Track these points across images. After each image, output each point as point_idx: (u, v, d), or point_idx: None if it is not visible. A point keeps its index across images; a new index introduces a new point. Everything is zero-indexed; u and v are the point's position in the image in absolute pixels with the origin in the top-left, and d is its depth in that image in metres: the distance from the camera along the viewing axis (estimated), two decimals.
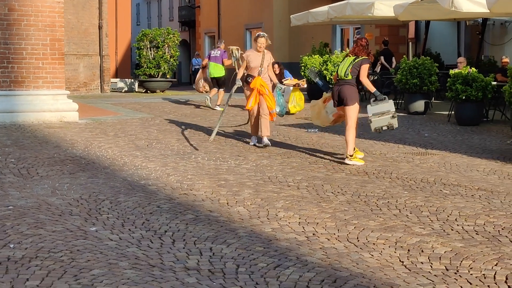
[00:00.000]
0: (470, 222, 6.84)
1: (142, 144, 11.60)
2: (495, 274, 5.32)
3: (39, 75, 13.44)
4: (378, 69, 21.50)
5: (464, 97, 14.46)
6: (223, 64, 18.25)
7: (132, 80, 27.97)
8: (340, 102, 10.20)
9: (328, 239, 6.22)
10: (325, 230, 6.54)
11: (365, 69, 10.21)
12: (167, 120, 15.18)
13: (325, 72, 19.86)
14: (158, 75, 25.35)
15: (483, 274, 5.31)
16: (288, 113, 15.63)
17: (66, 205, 7.34)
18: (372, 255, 5.76)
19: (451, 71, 15.38)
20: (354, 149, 10.21)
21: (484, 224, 6.80)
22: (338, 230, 6.54)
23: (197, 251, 5.82)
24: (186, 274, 5.23)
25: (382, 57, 21.93)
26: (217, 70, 18.14)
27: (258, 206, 7.46)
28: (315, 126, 13.22)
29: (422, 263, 5.58)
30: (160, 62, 25.09)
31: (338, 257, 5.70)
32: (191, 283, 5.03)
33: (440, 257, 5.72)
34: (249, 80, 11.59)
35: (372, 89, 10.39)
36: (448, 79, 15.06)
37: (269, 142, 11.56)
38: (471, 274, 5.30)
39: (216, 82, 18.27)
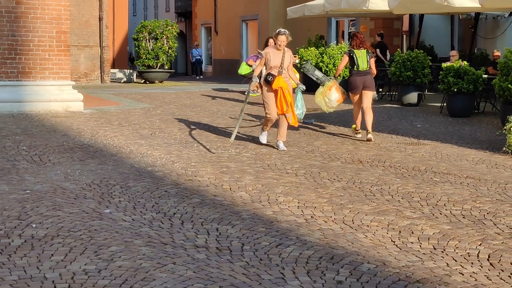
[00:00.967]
0: (457, 207, 7.34)
1: (145, 133, 12.07)
2: (478, 253, 5.82)
3: (46, 66, 13.91)
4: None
5: (455, 90, 14.96)
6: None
7: (131, 71, 28.42)
8: (362, 88, 12.02)
9: (325, 221, 6.72)
10: (323, 213, 7.03)
11: (373, 61, 12.39)
12: (168, 110, 15.65)
13: (321, 64, 20.27)
14: (156, 66, 25.79)
15: (468, 253, 5.81)
16: None
17: (79, 189, 7.82)
18: (366, 236, 6.26)
19: (443, 64, 15.87)
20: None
21: (470, 209, 7.29)
22: (334, 213, 7.04)
23: (205, 231, 6.31)
24: (196, 251, 5.73)
25: (377, 50, 22.39)
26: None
27: (259, 191, 7.95)
28: (311, 117, 13.72)
29: (412, 243, 6.08)
30: (158, 53, 25.53)
31: (335, 237, 6.19)
32: (201, 259, 5.52)
33: (428, 238, 6.22)
34: (270, 79, 10.61)
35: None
36: (441, 72, 15.55)
37: (285, 147, 10.87)
38: (457, 253, 5.80)
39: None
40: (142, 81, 26.41)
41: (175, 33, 26.08)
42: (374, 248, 5.90)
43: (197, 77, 35.27)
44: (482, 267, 5.46)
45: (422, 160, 10.16)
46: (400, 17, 25.19)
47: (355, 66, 11.91)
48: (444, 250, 5.88)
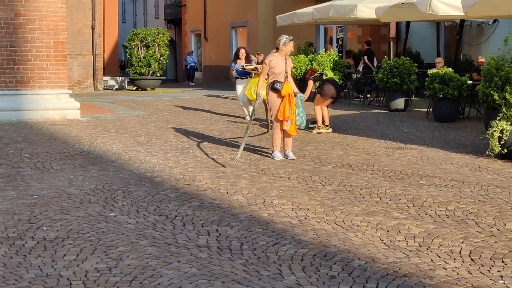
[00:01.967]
0: (442, 208, 7.79)
1: (142, 140, 12.47)
2: (461, 249, 6.26)
3: (43, 75, 14.30)
4: (361, 68, 22.44)
5: (441, 95, 15.44)
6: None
7: (123, 78, 28.80)
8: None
9: (318, 222, 7.15)
10: (315, 214, 7.46)
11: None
12: (162, 117, 16.06)
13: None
14: (148, 74, 26.19)
15: (451, 250, 6.25)
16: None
17: (84, 194, 8.22)
18: (356, 235, 6.70)
19: (429, 71, 16.35)
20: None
21: (454, 209, 7.74)
22: (326, 214, 7.47)
23: (205, 232, 6.73)
24: (198, 250, 6.14)
25: (365, 57, 22.89)
26: None
27: (255, 194, 8.38)
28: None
29: (399, 241, 6.52)
30: (150, 60, 25.92)
31: (327, 237, 6.63)
32: (204, 257, 5.94)
33: (414, 236, 6.66)
34: (277, 87, 10.66)
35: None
36: (427, 79, 16.02)
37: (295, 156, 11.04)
38: (441, 250, 6.25)
39: None
40: (134, 88, 26.79)
41: (166, 41, 26.48)
42: (364, 246, 6.33)
43: (191, 84, 35.64)
44: (464, 262, 5.91)
45: (409, 164, 10.61)
46: (387, 24, 25.70)
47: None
48: (429, 247, 6.32)
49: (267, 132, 13.42)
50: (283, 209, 7.69)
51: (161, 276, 5.43)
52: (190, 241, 6.41)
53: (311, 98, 15.69)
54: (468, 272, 5.66)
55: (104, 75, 28.24)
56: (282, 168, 10.08)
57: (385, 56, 20.46)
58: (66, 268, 5.57)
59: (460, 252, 6.18)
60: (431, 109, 16.39)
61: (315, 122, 14.25)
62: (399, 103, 17.78)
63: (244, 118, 15.84)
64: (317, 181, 9.23)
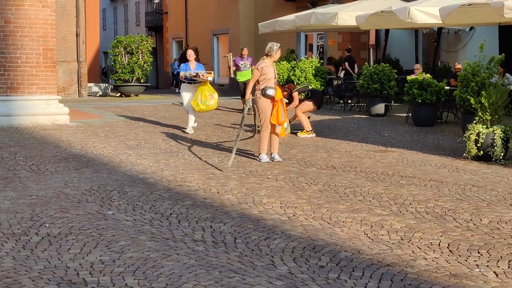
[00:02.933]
0: (422, 205, 8.24)
1: (132, 144, 12.83)
2: (439, 242, 6.71)
3: (33, 81, 14.64)
4: (341, 74, 22.93)
5: (420, 101, 15.95)
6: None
7: (106, 85, 29.13)
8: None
9: (306, 219, 7.57)
10: (303, 212, 7.88)
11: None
12: (149, 122, 16.43)
13: (293, 77, 21.09)
14: (132, 80, 26.53)
15: (430, 242, 6.70)
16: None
17: (80, 194, 8.58)
18: (342, 230, 7.13)
19: (408, 77, 16.86)
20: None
21: (433, 206, 8.19)
22: (313, 212, 7.89)
23: (200, 228, 7.12)
24: (195, 244, 6.54)
25: (346, 63, 23.39)
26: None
27: (244, 194, 8.78)
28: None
29: (382, 235, 6.96)
30: (134, 67, 26.27)
31: (315, 232, 7.05)
32: (201, 250, 6.33)
33: (396, 231, 7.10)
34: (271, 93, 11.04)
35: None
36: (406, 84, 16.53)
37: (280, 159, 11.44)
38: (421, 242, 6.69)
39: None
40: (118, 95, 27.12)
41: (150, 48, 26.87)
42: (350, 240, 6.76)
43: (177, 90, 35.91)
44: (442, 253, 6.35)
45: (390, 165, 11.06)
46: (366, 31, 26.21)
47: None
48: (410, 240, 6.76)
49: (252, 136, 13.77)
50: (272, 207, 8.10)
51: (162, 266, 5.82)
52: (187, 236, 6.81)
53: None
54: (447, 261, 6.10)
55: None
56: (269, 170, 10.49)
57: (366, 63, 20.94)
58: (72, 260, 5.95)
59: (439, 245, 6.63)
60: (410, 114, 16.89)
61: (297, 128, 14.70)
62: (379, 108, 18.27)
63: (184, 130, 14.62)
64: (303, 181, 9.66)
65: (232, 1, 36.50)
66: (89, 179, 9.52)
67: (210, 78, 14.30)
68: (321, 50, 31.68)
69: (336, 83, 21.64)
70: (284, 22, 23.32)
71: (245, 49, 18.99)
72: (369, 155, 12.17)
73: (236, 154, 11.80)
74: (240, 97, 17.92)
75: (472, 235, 6.95)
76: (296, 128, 14.83)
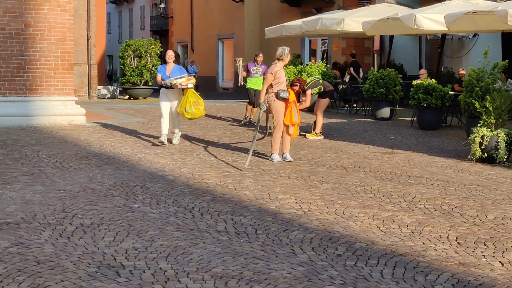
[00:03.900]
0: (430, 203, 8.69)
1: (147, 144, 13.28)
2: (448, 235, 7.16)
3: (51, 83, 15.12)
4: (347, 78, 23.39)
5: (425, 105, 16.41)
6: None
7: (115, 87, 29.61)
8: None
9: (321, 213, 8.03)
10: (317, 207, 8.34)
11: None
12: None
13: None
14: (140, 83, 27.00)
15: (439, 235, 7.15)
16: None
17: (105, 189, 9.04)
18: (355, 223, 7.58)
19: (414, 82, 17.33)
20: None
21: (441, 204, 8.64)
22: (327, 207, 8.35)
23: (222, 220, 7.58)
24: (219, 234, 7.00)
25: (351, 68, 23.87)
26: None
27: (260, 191, 9.24)
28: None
29: (394, 228, 7.41)
30: (142, 70, 26.75)
31: (330, 225, 7.50)
32: (225, 240, 6.79)
33: (407, 225, 7.55)
34: (285, 96, 11.53)
35: None
36: (411, 89, 17.00)
37: (292, 158, 11.85)
38: (431, 235, 7.15)
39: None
40: (126, 97, 27.57)
41: (158, 52, 27.34)
42: (363, 232, 7.22)
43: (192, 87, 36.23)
44: (451, 245, 6.81)
45: (397, 166, 11.52)
46: (371, 37, 26.66)
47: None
48: (420, 233, 7.22)
49: (262, 138, 14.15)
50: (288, 202, 8.56)
51: (191, 253, 6.27)
52: (210, 228, 7.26)
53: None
54: (455, 252, 6.56)
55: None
56: (282, 169, 10.94)
57: (372, 68, 21.38)
58: (108, 247, 6.40)
59: (447, 237, 7.08)
60: (415, 118, 17.34)
61: (305, 130, 15.15)
62: (385, 112, 18.72)
63: (162, 143, 13.02)
64: (315, 180, 10.11)
65: (237, 6, 36.99)
66: (111, 176, 9.97)
67: (190, 85, 12.98)
68: (325, 55, 32.16)
69: (341, 87, 22.09)
70: (291, 27, 23.77)
71: (260, 54, 18.20)
72: (376, 156, 12.61)
73: (248, 154, 12.26)
74: (247, 102, 17.88)
75: (478, 230, 7.40)
76: (304, 130, 15.28)
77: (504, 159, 11.78)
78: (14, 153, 11.64)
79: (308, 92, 14.72)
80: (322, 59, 29.69)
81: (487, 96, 12.34)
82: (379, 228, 7.42)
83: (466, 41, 23.01)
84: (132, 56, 26.79)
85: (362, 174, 10.65)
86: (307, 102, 14.79)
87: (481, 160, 11.95)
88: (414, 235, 7.16)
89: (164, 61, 13.64)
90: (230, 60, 39.49)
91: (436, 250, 6.62)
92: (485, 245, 6.82)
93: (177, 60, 13.48)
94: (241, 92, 34.85)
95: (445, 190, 9.54)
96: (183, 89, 13.01)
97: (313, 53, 33.34)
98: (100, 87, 28.87)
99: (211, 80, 38.95)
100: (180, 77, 13.05)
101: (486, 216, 8.03)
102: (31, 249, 6.27)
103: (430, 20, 16.74)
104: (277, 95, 11.56)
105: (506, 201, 8.86)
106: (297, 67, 22.82)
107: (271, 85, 11.61)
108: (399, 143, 14.54)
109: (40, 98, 15.15)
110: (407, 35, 24.24)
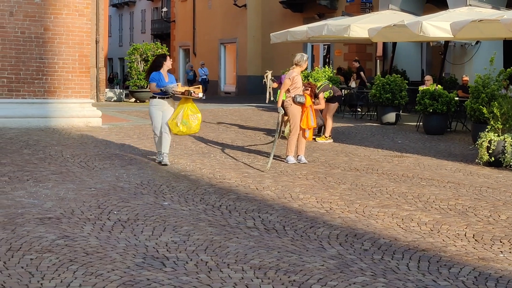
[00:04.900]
0: (444, 203, 9.12)
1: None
2: (465, 233, 7.59)
3: (69, 86, 15.57)
4: (352, 84, 23.88)
5: (431, 110, 16.86)
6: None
7: (121, 90, 30.06)
8: None
9: (342, 212, 8.45)
10: (338, 206, 8.76)
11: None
12: None
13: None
14: (147, 86, 27.39)
15: (457, 233, 7.57)
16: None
17: (134, 188, 9.44)
18: (377, 222, 8.00)
19: (420, 88, 17.77)
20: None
21: (455, 204, 9.07)
22: (347, 206, 8.77)
23: (250, 217, 7.99)
24: (249, 230, 7.41)
25: (361, 72, 24.42)
26: None
27: (281, 191, 9.65)
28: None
29: (413, 226, 7.83)
30: None
31: (353, 222, 7.92)
32: (256, 235, 7.20)
33: (425, 223, 7.98)
34: (302, 100, 12.00)
35: None
36: (418, 94, 17.44)
37: (306, 161, 12.26)
38: (449, 233, 7.57)
39: None
40: (133, 100, 27.99)
41: None
42: (385, 230, 7.64)
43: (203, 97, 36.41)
44: (469, 242, 7.23)
45: (408, 169, 11.94)
46: (373, 43, 27.10)
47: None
48: (439, 231, 7.64)
49: (272, 141, 14.51)
50: (309, 202, 8.97)
51: (227, 247, 6.69)
52: (240, 224, 7.67)
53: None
54: (474, 248, 6.98)
55: None
56: (298, 170, 11.36)
57: (378, 73, 21.80)
58: (148, 240, 6.81)
59: (465, 235, 7.51)
60: (420, 123, 17.78)
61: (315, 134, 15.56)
62: (391, 117, 19.16)
63: (160, 162, 11.43)
64: (332, 181, 10.53)
65: (240, 10, 37.44)
66: (136, 175, 10.37)
67: (201, 95, 11.61)
68: (327, 60, 32.62)
69: (347, 92, 22.53)
70: (296, 33, 24.18)
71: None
72: (387, 159, 13.03)
73: (263, 156, 12.69)
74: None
75: (493, 228, 7.83)
76: (313, 134, 15.70)
77: (511, 163, 12.21)
78: (38, 153, 12.04)
79: (321, 95, 15.12)
80: (324, 65, 30.17)
81: (495, 102, 12.77)
82: (399, 226, 7.84)
83: (469, 48, 23.47)
84: (139, 59, 27.22)
85: (376, 176, 11.07)
86: (321, 103, 15.14)
87: (488, 164, 12.37)
88: (433, 232, 7.58)
89: (153, 68, 11.69)
90: (232, 65, 39.96)
91: (456, 246, 7.04)
92: (501, 242, 7.25)
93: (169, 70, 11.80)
94: (243, 96, 35.38)
95: (457, 191, 9.97)
96: (176, 98, 11.61)
97: (313, 59, 33.79)
98: (106, 90, 29.31)
99: (213, 84, 39.35)
100: (176, 85, 11.57)
101: (499, 216, 8.46)
102: (77, 242, 6.68)
103: (436, 28, 17.17)
104: (294, 100, 12.01)
105: None
106: (304, 72, 23.24)
107: (288, 90, 12.05)
108: (407, 147, 14.97)
109: (58, 100, 15.57)
110: (411, 41, 24.69)
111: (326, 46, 33.10)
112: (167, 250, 6.50)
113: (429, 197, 9.50)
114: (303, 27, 24.46)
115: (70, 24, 15.52)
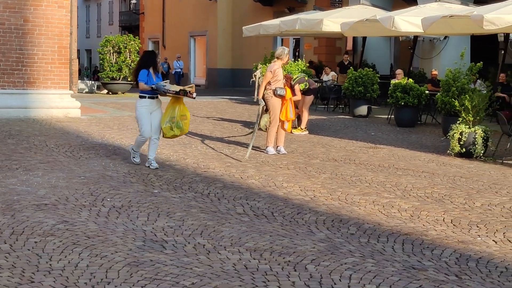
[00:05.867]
0: (421, 191, 9.54)
1: None
2: (443, 219, 8.01)
3: (48, 77, 15.73)
4: (324, 77, 24.28)
5: (403, 103, 17.33)
6: None
7: (93, 82, 30.11)
8: None
9: (326, 199, 8.82)
10: (321, 194, 9.13)
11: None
12: None
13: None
14: (119, 78, 27.55)
15: (436, 219, 7.99)
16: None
17: (122, 177, 9.71)
18: (359, 208, 8.39)
19: (392, 81, 18.23)
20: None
21: (431, 192, 9.50)
22: (330, 194, 9.14)
23: (239, 204, 8.32)
24: (240, 216, 7.74)
25: (338, 68, 24.98)
26: None
27: (265, 180, 9.99)
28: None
29: (394, 213, 8.23)
30: (122, 66, 27.30)
31: (337, 209, 8.30)
32: (247, 221, 7.54)
33: (405, 210, 8.39)
34: (282, 93, 12.27)
35: None
36: (390, 88, 17.91)
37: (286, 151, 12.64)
38: (428, 218, 7.99)
39: None
40: (105, 92, 28.10)
41: (137, 48, 27.90)
42: (368, 216, 8.03)
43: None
44: (448, 226, 7.65)
45: (383, 159, 12.36)
46: (343, 37, 27.52)
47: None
48: (419, 217, 8.05)
49: (250, 132, 14.83)
50: (294, 190, 9.33)
51: (221, 231, 7.02)
52: (230, 210, 8.01)
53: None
54: (453, 232, 7.40)
55: None
56: (279, 161, 11.72)
57: (351, 67, 22.17)
58: (145, 225, 7.11)
59: (443, 220, 7.93)
60: (392, 116, 18.25)
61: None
62: (363, 109, 19.61)
63: (149, 167, 10.47)
64: (312, 170, 10.90)
65: (210, 3, 37.59)
66: (123, 165, 10.63)
67: (195, 95, 10.68)
68: (297, 54, 32.98)
69: (319, 85, 22.92)
70: (269, 27, 24.49)
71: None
72: (362, 150, 13.44)
73: (243, 147, 13.01)
74: None
75: (469, 214, 8.26)
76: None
77: (481, 154, 12.69)
78: (22, 142, 12.24)
79: (296, 87, 15.44)
80: (294, 59, 30.57)
81: (466, 96, 13.24)
82: (381, 212, 8.24)
83: (437, 43, 24.01)
84: (111, 51, 27.33)
85: (354, 166, 11.46)
86: (298, 95, 15.41)
87: (459, 155, 12.84)
88: (413, 218, 7.99)
89: (142, 65, 10.57)
90: (202, 57, 40.12)
91: (436, 230, 7.45)
92: (477, 226, 7.68)
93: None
94: (213, 89, 35.64)
95: (432, 180, 10.40)
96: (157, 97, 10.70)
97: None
98: (78, 81, 29.33)
99: (183, 77, 39.51)
100: (167, 83, 10.74)
101: (474, 203, 8.90)
102: (77, 226, 6.95)
103: (408, 23, 17.65)
104: (275, 92, 12.33)
105: (489, 191, 9.75)
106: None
107: (269, 83, 12.38)
108: (380, 138, 15.40)
109: (38, 91, 15.73)
110: (382, 36, 25.16)
111: (295, 40, 33.48)
112: (165, 234, 6.81)
113: (406, 185, 9.91)
114: (276, 21, 24.78)
115: (50, 16, 15.68)
